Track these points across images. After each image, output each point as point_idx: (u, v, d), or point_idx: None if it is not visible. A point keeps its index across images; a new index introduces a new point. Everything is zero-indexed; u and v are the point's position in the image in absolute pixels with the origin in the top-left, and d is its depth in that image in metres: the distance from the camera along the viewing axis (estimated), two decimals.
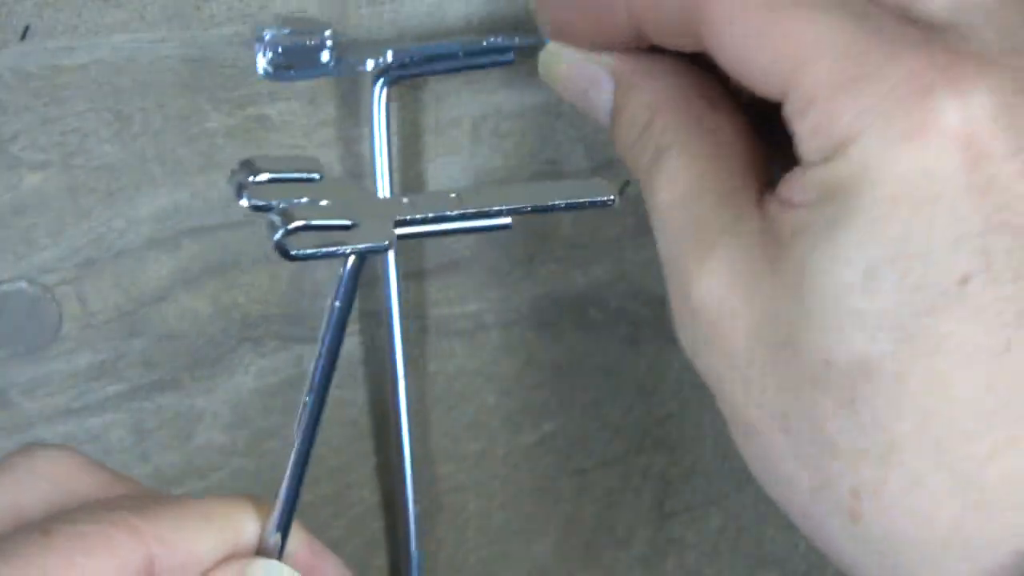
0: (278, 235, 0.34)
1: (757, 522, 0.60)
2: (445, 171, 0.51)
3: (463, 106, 0.50)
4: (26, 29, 0.48)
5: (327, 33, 0.48)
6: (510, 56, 0.48)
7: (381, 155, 0.49)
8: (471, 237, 0.51)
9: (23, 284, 0.50)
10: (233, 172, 0.38)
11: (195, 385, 0.51)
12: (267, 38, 0.47)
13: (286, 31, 0.48)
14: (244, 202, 0.36)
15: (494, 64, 0.48)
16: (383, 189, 0.49)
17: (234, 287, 0.51)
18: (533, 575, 0.56)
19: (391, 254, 0.49)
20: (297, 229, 0.34)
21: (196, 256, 0.50)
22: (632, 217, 0.51)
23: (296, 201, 0.36)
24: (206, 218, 0.50)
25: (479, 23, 0.49)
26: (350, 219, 0.35)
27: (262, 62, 0.47)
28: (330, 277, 0.51)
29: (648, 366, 0.53)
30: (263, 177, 0.37)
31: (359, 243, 0.35)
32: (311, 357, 0.52)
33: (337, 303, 0.37)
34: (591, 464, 0.55)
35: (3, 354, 0.50)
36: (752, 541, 0.61)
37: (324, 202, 0.36)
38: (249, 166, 0.37)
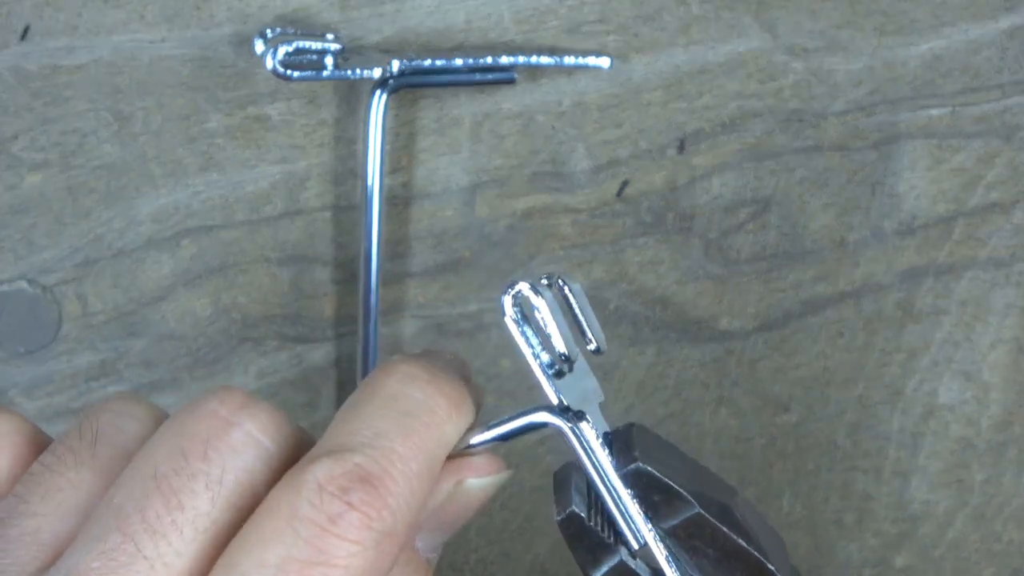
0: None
1: None
2: (445, 171, 0.51)
3: (463, 106, 0.50)
4: (26, 29, 0.48)
5: (330, 37, 0.48)
6: (512, 75, 0.49)
7: (374, 162, 0.49)
8: (472, 237, 0.51)
9: (23, 284, 0.49)
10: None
11: (195, 385, 0.51)
12: (270, 38, 0.47)
13: (291, 31, 0.48)
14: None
15: (496, 82, 0.49)
16: (375, 192, 0.49)
17: (234, 287, 0.51)
18: (533, 575, 0.56)
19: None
20: None
21: (196, 256, 0.50)
22: (632, 217, 0.51)
23: None
24: (206, 218, 0.50)
25: (479, 24, 0.49)
26: None
27: (271, 61, 0.47)
28: (329, 279, 0.51)
29: (648, 366, 0.53)
30: None
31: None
32: (310, 357, 0.52)
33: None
34: None
35: (3, 354, 0.50)
36: None
37: None
38: None
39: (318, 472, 0.30)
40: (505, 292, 0.34)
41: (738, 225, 0.52)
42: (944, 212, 0.52)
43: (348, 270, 0.51)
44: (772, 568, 0.35)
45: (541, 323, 0.34)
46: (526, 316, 0.34)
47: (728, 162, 0.51)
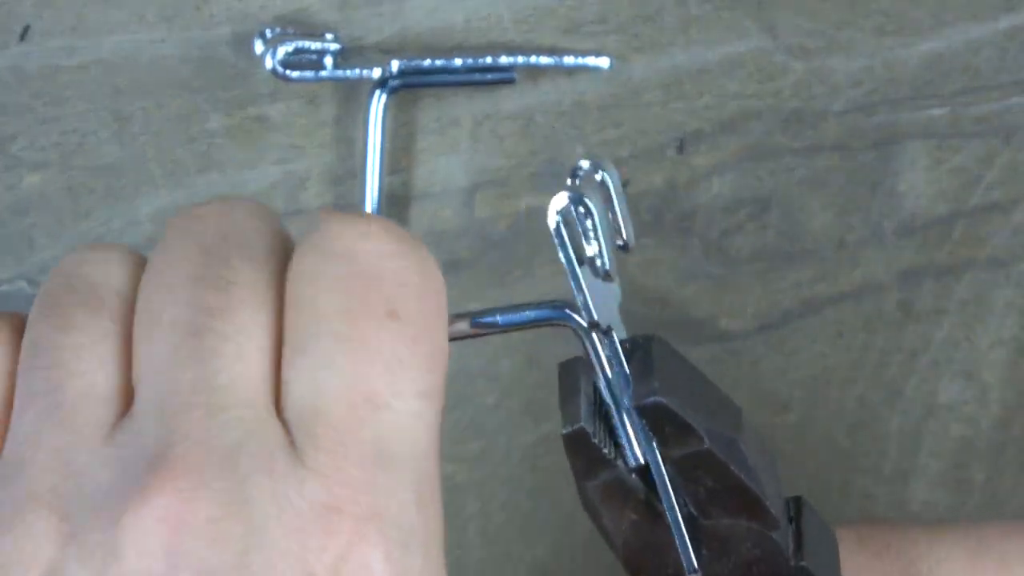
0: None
1: None
2: (445, 171, 0.51)
3: (463, 106, 0.50)
4: (26, 29, 0.48)
5: (330, 37, 0.48)
6: (512, 75, 0.49)
7: (374, 162, 0.49)
8: (472, 238, 0.51)
9: (23, 284, 0.50)
10: None
11: None
12: (270, 38, 0.48)
13: (291, 31, 0.48)
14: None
15: (496, 81, 0.49)
16: (372, 193, 0.49)
17: None
18: (533, 575, 0.56)
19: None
20: None
21: None
22: (631, 217, 0.51)
23: None
24: None
25: (478, 24, 0.49)
26: None
27: (270, 61, 0.47)
28: None
29: None
30: None
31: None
32: None
33: None
34: None
35: None
36: None
37: None
38: None
39: (345, 217, 0.29)
40: (554, 197, 0.33)
41: (738, 225, 0.52)
42: (944, 212, 0.52)
43: None
44: (767, 505, 0.34)
45: (584, 234, 0.33)
46: (569, 224, 0.33)
47: (728, 162, 0.51)
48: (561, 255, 0.33)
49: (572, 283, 0.33)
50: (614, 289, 0.35)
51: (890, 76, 0.51)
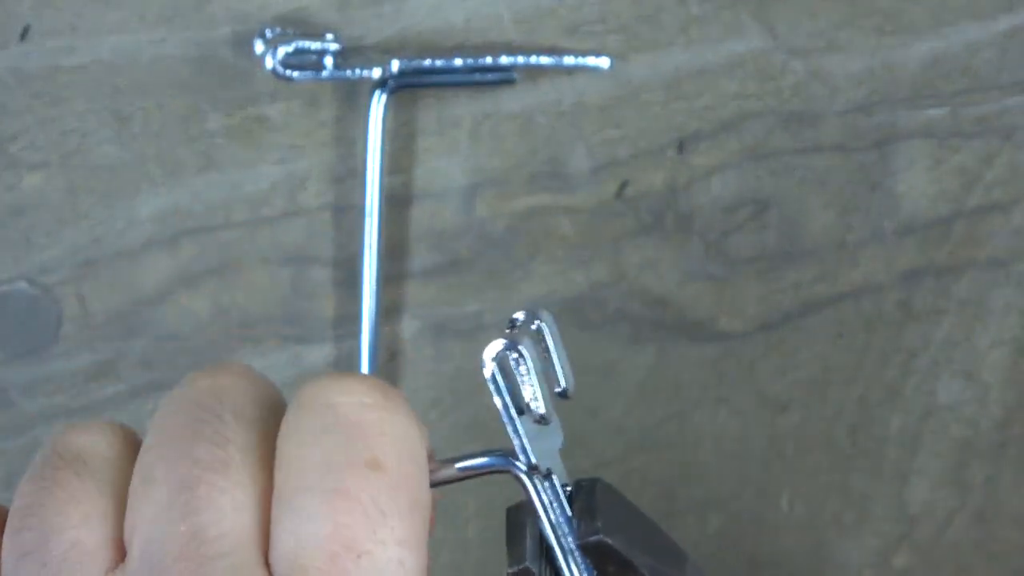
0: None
1: (756, 523, 0.60)
2: (445, 171, 0.51)
3: (463, 106, 0.50)
4: (26, 29, 0.48)
5: (330, 37, 0.48)
6: (512, 75, 0.49)
7: (374, 162, 0.49)
8: (472, 237, 0.51)
9: (23, 284, 0.50)
10: None
11: None
12: (270, 38, 0.48)
13: (291, 31, 0.48)
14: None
15: (496, 82, 0.49)
16: (375, 192, 0.49)
17: (234, 287, 0.51)
18: None
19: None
20: None
21: (196, 256, 0.50)
22: (632, 217, 0.51)
23: None
24: (206, 218, 0.50)
25: (479, 24, 0.49)
26: None
27: (271, 61, 0.47)
28: (329, 279, 0.51)
29: (648, 366, 0.53)
30: None
31: None
32: (309, 357, 0.52)
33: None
34: (591, 464, 0.55)
35: (3, 354, 0.50)
36: (751, 542, 0.61)
37: None
38: None
39: (329, 376, 0.31)
40: (486, 350, 0.34)
41: (738, 225, 0.52)
42: (944, 212, 0.52)
43: (348, 270, 0.51)
44: None
45: (520, 381, 0.34)
46: (505, 370, 0.34)
47: (728, 162, 0.51)
48: (497, 402, 0.34)
49: (509, 429, 0.34)
50: (556, 432, 0.35)
51: (890, 76, 0.51)
